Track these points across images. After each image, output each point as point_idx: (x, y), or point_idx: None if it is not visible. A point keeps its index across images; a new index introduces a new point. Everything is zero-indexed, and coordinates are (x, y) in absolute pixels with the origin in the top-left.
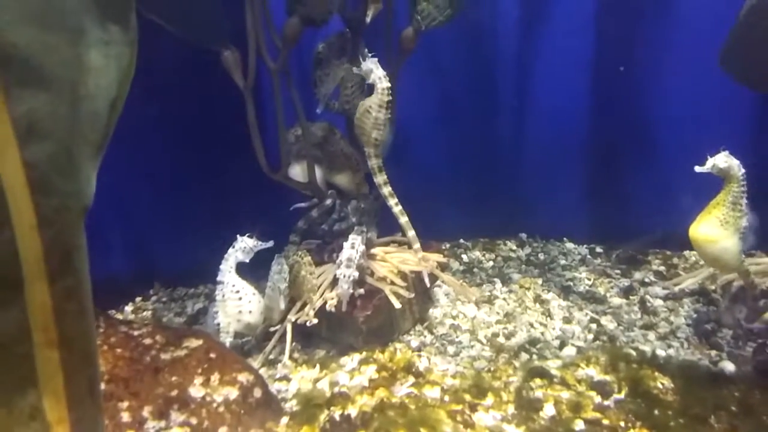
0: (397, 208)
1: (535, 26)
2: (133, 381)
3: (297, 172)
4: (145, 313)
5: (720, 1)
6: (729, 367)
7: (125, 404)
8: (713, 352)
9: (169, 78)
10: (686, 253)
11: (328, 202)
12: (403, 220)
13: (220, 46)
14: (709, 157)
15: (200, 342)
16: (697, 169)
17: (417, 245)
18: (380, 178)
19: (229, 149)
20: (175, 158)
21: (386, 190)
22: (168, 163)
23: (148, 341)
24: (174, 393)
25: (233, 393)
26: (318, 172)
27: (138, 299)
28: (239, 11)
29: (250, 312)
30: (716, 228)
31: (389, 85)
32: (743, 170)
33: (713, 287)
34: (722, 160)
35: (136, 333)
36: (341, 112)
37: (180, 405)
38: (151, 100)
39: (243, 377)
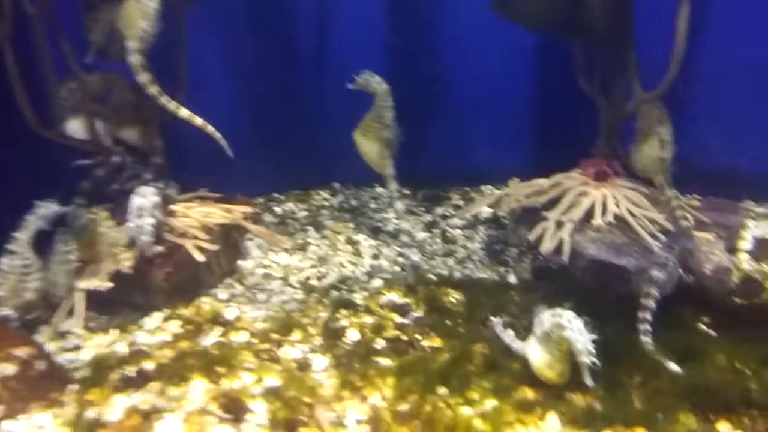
0: (171, 105)
1: None
2: None
3: (75, 127)
4: None
5: None
6: (512, 278)
7: None
8: (502, 269)
9: None
10: (482, 187)
11: (116, 159)
12: (185, 113)
13: None
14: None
15: None
16: (349, 86)
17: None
18: (144, 77)
19: None
20: None
21: (154, 89)
22: None
23: None
24: None
25: (9, 369)
26: (101, 127)
27: None
28: None
29: (35, 290)
30: (358, 135)
31: None
32: (384, 86)
33: (503, 213)
34: (362, 79)
35: None
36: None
37: None
38: None
39: (21, 352)
